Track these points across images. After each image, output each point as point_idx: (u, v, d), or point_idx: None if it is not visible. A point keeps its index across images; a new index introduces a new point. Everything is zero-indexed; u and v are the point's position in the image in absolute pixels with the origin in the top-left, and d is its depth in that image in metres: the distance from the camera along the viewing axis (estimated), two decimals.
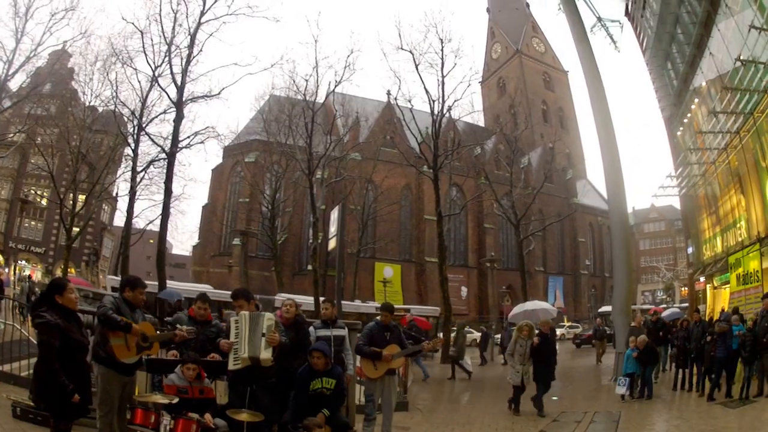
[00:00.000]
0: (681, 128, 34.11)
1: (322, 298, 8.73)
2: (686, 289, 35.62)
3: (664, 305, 52.94)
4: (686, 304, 39.87)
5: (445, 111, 37.70)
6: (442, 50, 36.38)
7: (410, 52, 36.44)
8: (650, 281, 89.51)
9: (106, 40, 42.05)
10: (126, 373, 6.67)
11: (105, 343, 6.39)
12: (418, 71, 36.67)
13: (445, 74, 36.63)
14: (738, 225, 27.16)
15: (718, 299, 28.95)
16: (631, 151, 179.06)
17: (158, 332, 7.38)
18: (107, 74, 33.16)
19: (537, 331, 13.64)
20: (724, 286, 29.32)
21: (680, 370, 16.50)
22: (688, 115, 32.61)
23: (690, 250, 39.50)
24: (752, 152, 24.24)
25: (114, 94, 33.05)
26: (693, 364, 15.76)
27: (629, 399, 14.49)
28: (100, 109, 36.53)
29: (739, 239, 26.80)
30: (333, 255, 37.99)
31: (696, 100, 31.08)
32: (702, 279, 34.15)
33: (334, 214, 35.87)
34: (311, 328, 9.07)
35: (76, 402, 5.72)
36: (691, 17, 28.48)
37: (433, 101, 36.88)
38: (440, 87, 36.90)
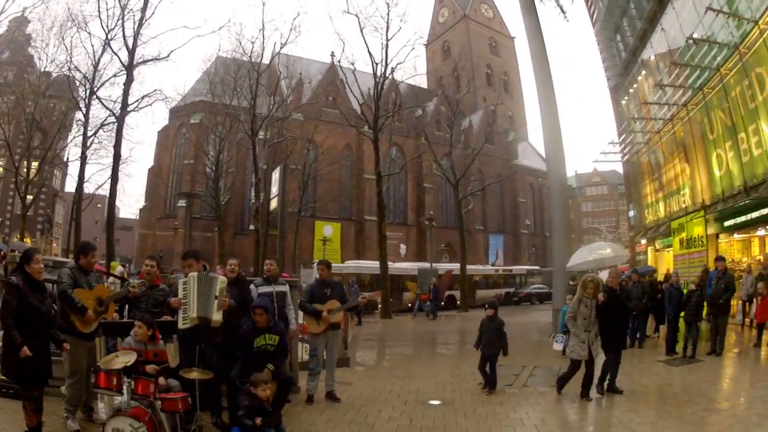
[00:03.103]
0: (626, 98, 35.20)
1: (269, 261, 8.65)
2: (628, 249, 36.57)
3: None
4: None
5: (387, 74, 37.92)
6: (388, 14, 36.83)
7: (356, 15, 36.73)
8: (592, 242, 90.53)
9: (63, 5, 41.44)
10: (89, 339, 7.23)
11: (66, 317, 6.89)
12: (363, 35, 37.28)
13: (389, 38, 37.03)
14: (682, 192, 28.39)
15: (660, 261, 30.26)
16: (576, 117, 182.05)
17: (110, 292, 7.85)
18: (63, 39, 33.33)
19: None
20: (666, 249, 30.84)
21: None
22: (635, 85, 33.52)
23: (631, 213, 41.11)
24: (699, 125, 25.16)
25: (68, 58, 33.08)
26: (635, 321, 16.15)
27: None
28: (54, 74, 36.39)
29: (683, 206, 28.08)
30: (274, 215, 37.81)
31: (643, 72, 31.98)
32: (643, 242, 35.56)
33: (276, 175, 35.73)
34: (252, 286, 9.28)
35: (27, 358, 5.82)
36: None
37: (376, 64, 37.20)
38: (384, 50, 37.32)
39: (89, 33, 33.01)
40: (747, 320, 16.83)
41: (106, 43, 32.30)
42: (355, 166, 67.03)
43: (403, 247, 66.97)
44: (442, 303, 37.29)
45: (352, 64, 38.69)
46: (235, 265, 8.81)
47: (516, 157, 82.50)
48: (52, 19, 33.81)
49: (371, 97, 38.13)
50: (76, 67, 33.16)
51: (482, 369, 10.35)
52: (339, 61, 39.60)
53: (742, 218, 20.99)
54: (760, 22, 17.51)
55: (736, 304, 18.09)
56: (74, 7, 33.07)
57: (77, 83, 34.09)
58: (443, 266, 47.80)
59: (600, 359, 9.94)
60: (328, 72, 63.19)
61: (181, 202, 53.87)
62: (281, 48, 40.45)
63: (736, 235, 22.55)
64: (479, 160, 57.77)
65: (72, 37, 32.88)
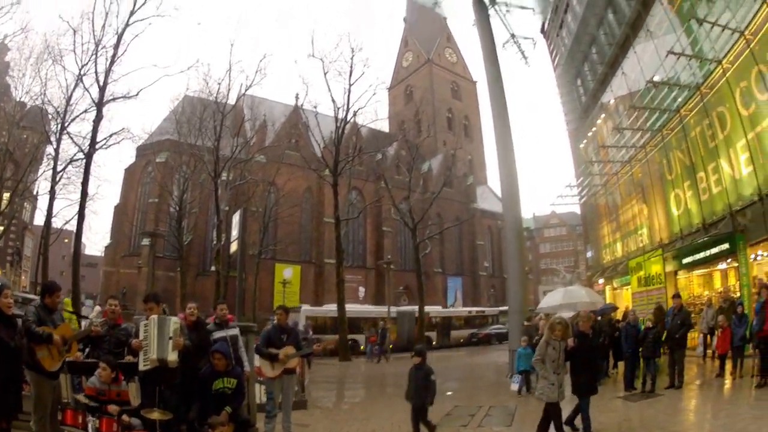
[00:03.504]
0: (585, 141, 35.73)
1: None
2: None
3: None
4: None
5: (349, 118, 38.71)
6: (352, 59, 37.70)
7: (321, 59, 37.54)
8: (550, 282, 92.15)
9: (42, 36, 41.64)
10: (54, 377, 7.22)
11: (32, 355, 6.87)
12: (326, 79, 37.78)
13: (352, 82, 37.78)
14: (639, 232, 29.28)
15: (619, 299, 30.74)
16: (535, 159, 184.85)
17: (74, 331, 8.19)
18: (39, 70, 33.46)
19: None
20: (624, 287, 31.31)
21: None
22: (593, 129, 34.15)
23: (589, 254, 41.90)
24: (658, 166, 26.03)
25: (42, 90, 33.30)
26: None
27: (526, 394, 14.72)
28: (29, 105, 36.20)
29: (641, 245, 28.97)
30: (235, 257, 37.64)
31: (602, 116, 32.67)
32: (601, 281, 35.86)
33: (236, 218, 35.58)
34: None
35: None
36: (609, 38, 29.93)
37: (338, 108, 37.92)
38: (346, 95, 37.98)
39: (63, 67, 33.14)
40: (709, 351, 17.00)
41: (79, 79, 32.47)
42: (315, 210, 67.07)
43: (361, 289, 66.97)
44: (391, 346, 37.23)
45: (315, 107, 39.39)
46: (194, 309, 9.09)
47: (475, 201, 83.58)
48: (30, 49, 33.82)
49: (332, 141, 38.51)
50: (49, 100, 33.33)
51: (414, 422, 9.54)
52: (302, 105, 39.90)
53: (701, 254, 21.45)
54: (723, 62, 18.15)
55: (696, 336, 18.44)
56: (51, 39, 33.10)
57: (49, 117, 34.05)
58: (402, 309, 48.21)
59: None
60: (292, 115, 63.54)
61: (145, 241, 53.50)
62: (246, 90, 40.93)
63: (696, 271, 23.05)
64: (438, 203, 58.53)
65: (47, 69, 33.08)
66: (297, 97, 53.32)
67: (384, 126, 74.85)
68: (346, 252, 46.16)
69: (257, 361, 10.48)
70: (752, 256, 18.01)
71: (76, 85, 32.71)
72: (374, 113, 52.30)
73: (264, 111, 53.82)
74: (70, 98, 32.97)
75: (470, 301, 75.37)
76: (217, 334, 9.31)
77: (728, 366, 14.54)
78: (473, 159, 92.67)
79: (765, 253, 17.00)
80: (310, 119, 39.48)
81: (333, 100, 37.92)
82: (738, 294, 18.30)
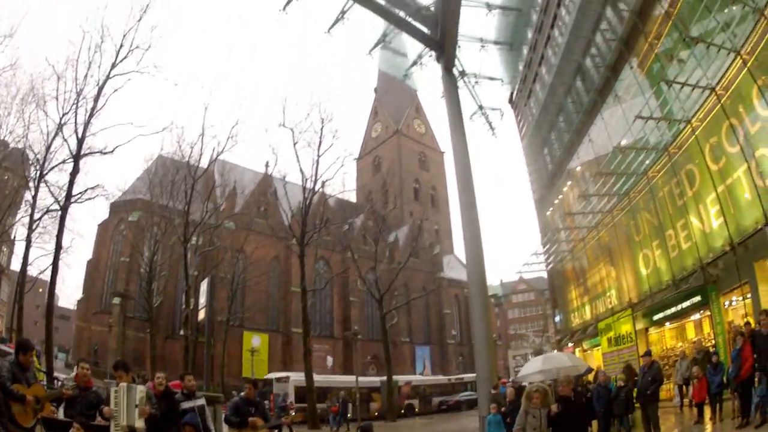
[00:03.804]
0: (551, 208, 36.50)
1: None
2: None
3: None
4: None
5: (317, 188, 39.21)
6: (321, 129, 38.28)
7: (291, 129, 37.93)
8: (520, 347, 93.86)
9: (28, 76, 41.38)
10: None
11: (8, 410, 6.93)
12: (296, 149, 38.13)
13: (320, 153, 38.38)
14: (608, 294, 29.65)
15: (589, 360, 30.68)
16: (502, 226, 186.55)
17: (47, 390, 8.56)
18: (23, 111, 33.03)
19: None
20: (594, 348, 31.57)
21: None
22: (560, 196, 34.91)
23: (557, 318, 42.29)
24: (625, 228, 26.69)
25: (25, 133, 33.05)
26: None
27: None
28: (11, 145, 35.66)
29: (609, 306, 29.27)
30: (203, 324, 37.67)
31: (569, 183, 33.45)
32: (570, 344, 36.19)
33: (204, 286, 35.77)
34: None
35: None
36: (576, 106, 30.70)
37: (306, 179, 38.28)
38: (315, 165, 38.46)
39: (46, 113, 32.80)
40: (686, 401, 17.32)
41: (59, 128, 32.13)
42: (283, 278, 67.06)
43: (329, 359, 66.64)
44: (349, 415, 37.17)
45: (284, 177, 39.80)
46: (163, 379, 9.41)
47: (441, 270, 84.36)
48: (17, 88, 33.43)
49: (300, 211, 38.97)
50: (30, 145, 33.12)
51: None
52: (271, 174, 40.27)
53: (673, 309, 21.99)
54: (692, 120, 18.88)
55: (672, 388, 18.83)
56: (37, 81, 32.63)
57: (30, 161, 33.78)
58: (370, 379, 49.25)
59: None
60: (261, 183, 64.12)
61: (116, 301, 53.12)
62: (218, 156, 41.17)
63: (668, 324, 23.38)
64: (405, 273, 58.82)
65: (31, 112, 32.78)
66: (267, 165, 54.00)
67: (352, 196, 75.65)
68: (314, 321, 46.42)
69: (226, 430, 10.68)
70: (726, 303, 18.52)
71: (56, 133, 32.38)
72: (342, 184, 52.89)
73: (235, 177, 53.98)
74: (49, 146, 32.65)
75: (439, 369, 75.40)
76: (186, 404, 9.64)
77: (707, 412, 14.87)
78: (440, 228, 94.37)
79: (740, 298, 17.43)
80: (279, 188, 40.11)
81: (301, 171, 38.28)
82: (712, 343, 18.76)
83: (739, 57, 15.91)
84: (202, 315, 36.14)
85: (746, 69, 15.62)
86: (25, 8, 47.97)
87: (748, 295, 16.75)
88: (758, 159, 15.61)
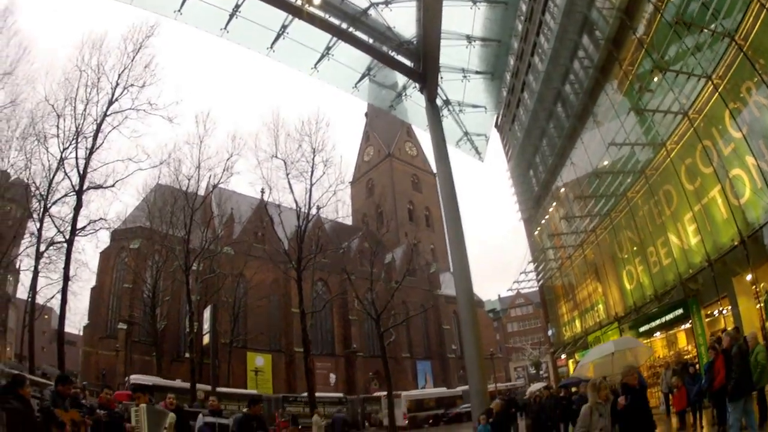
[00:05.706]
0: (539, 228, 37.80)
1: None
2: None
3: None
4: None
5: (310, 217, 40.01)
6: (313, 159, 39.16)
7: (283, 160, 38.82)
8: (520, 359, 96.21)
9: (28, 113, 41.95)
10: None
11: (48, 430, 8.27)
12: (289, 180, 39.01)
13: (313, 182, 39.30)
14: (596, 308, 30.85)
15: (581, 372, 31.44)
16: (496, 243, 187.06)
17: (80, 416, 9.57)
18: (24, 145, 33.17)
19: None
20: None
21: None
22: (546, 217, 36.21)
23: (550, 332, 43.36)
24: (609, 246, 27.84)
25: (27, 166, 33.13)
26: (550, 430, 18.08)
27: None
28: (13, 177, 35.79)
29: (597, 320, 30.44)
30: (208, 347, 38.59)
31: (554, 204, 34.60)
32: (563, 356, 37.49)
33: (207, 313, 36.53)
34: (200, 415, 11.57)
35: None
36: (558, 131, 31.55)
37: (300, 208, 39.18)
38: (307, 194, 39.42)
39: (47, 149, 33.04)
40: (673, 408, 18.16)
41: (60, 163, 32.54)
42: (283, 301, 67.54)
43: (332, 376, 67.35)
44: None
45: (278, 206, 40.45)
46: (173, 398, 11.11)
47: (439, 287, 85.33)
48: (17, 121, 33.53)
49: (296, 237, 39.85)
50: (32, 177, 33.19)
51: None
52: (266, 203, 41.07)
53: (657, 322, 23.17)
54: (667, 144, 19.77)
55: (659, 396, 20.07)
56: (37, 116, 32.56)
57: (32, 193, 34.11)
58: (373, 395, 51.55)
59: None
60: (257, 209, 64.72)
61: (121, 326, 53.94)
62: (214, 188, 42.10)
63: (657, 335, 24.23)
64: (402, 292, 60.08)
65: (31, 145, 32.91)
66: (262, 192, 54.79)
67: (347, 219, 76.47)
68: (315, 340, 47.23)
69: None
70: (707, 315, 19.51)
71: (58, 168, 32.77)
72: (335, 211, 53.31)
73: (232, 205, 55.24)
74: (51, 180, 32.88)
75: (441, 382, 75.96)
76: (208, 419, 11.09)
77: (689, 419, 15.88)
78: (436, 247, 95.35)
79: (723, 309, 18.20)
80: (274, 215, 40.39)
81: (295, 201, 39.23)
82: (692, 354, 19.90)
83: (710, 82, 16.53)
84: (206, 340, 37.18)
85: (717, 93, 16.26)
86: (25, 45, 48.33)
87: (729, 308, 17.59)
88: (732, 179, 16.30)
